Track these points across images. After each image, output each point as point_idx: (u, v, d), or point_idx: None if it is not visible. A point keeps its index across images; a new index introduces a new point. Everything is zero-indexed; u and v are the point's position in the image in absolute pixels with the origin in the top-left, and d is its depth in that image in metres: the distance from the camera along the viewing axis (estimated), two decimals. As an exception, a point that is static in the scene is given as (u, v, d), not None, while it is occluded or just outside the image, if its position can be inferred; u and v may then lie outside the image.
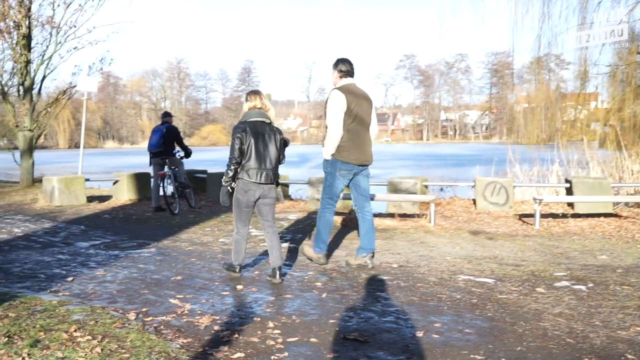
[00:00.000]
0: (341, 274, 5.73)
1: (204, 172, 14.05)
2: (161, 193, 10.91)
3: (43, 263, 6.49)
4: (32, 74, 16.10)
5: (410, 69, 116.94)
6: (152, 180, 11.62)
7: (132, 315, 4.36)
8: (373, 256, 6.10)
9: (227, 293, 5.06)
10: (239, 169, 5.35)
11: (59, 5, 15.81)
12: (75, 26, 16.07)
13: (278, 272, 5.45)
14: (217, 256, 6.75)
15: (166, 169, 10.77)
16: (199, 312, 4.49)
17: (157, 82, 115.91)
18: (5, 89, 16.32)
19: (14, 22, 15.31)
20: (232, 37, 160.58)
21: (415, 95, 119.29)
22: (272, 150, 5.37)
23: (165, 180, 10.60)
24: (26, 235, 8.59)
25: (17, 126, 16.00)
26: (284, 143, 5.50)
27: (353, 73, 5.97)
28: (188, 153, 11.08)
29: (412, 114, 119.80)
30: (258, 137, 5.30)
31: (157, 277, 5.70)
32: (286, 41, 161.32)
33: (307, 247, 6.31)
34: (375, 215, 10.07)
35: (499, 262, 6.26)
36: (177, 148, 10.96)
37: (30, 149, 16.05)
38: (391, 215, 9.76)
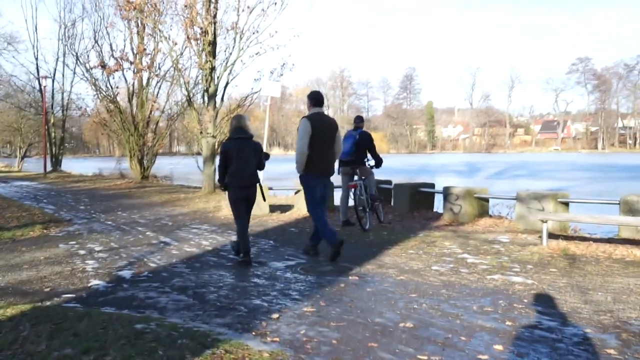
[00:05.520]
0: (635, 336, 4.12)
1: (389, 182, 12.89)
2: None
3: (239, 289, 5.61)
4: (216, 81, 16.06)
5: (583, 73, 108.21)
6: (339, 191, 10.67)
7: (372, 388, 3.17)
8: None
9: (486, 357, 3.70)
10: (227, 175, 6.83)
11: (243, 11, 15.60)
12: (257, 31, 15.77)
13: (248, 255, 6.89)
14: (441, 292, 5.43)
15: (356, 179, 9.73)
16: (460, 388, 3.19)
17: (321, 91, 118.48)
18: (191, 95, 16.48)
19: (201, 28, 15.32)
20: (394, 45, 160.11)
21: (589, 101, 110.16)
22: (250, 159, 6.81)
23: (356, 192, 9.53)
24: (215, 249, 7.94)
25: (201, 132, 16.05)
26: (266, 156, 7.14)
27: (321, 103, 7.37)
28: (379, 162, 9.97)
29: (584, 121, 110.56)
30: (239, 150, 6.74)
31: (379, 320, 4.50)
32: (449, 48, 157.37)
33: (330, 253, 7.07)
34: (604, 240, 8.21)
35: None
36: (368, 156, 9.91)
37: (213, 155, 16.00)
38: (633, 243, 7.81)
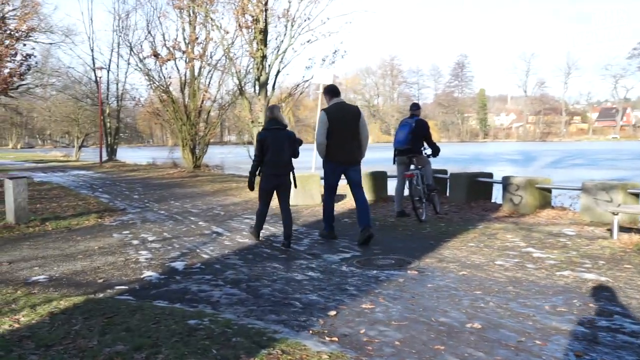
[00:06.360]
0: None
1: (444, 171, 12.48)
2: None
3: (294, 283, 5.40)
4: (267, 70, 15.90)
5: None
6: (393, 181, 10.37)
7: (442, 398, 2.90)
8: (370, 228, 7.35)
9: (566, 364, 3.38)
10: (262, 164, 7.12)
11: (294, -3, 15.33)
12: (309, 18, 15.50)
13: (288, 240, 7.16)
14: (507, 289, 5.09)
15: (412, 168, 9.39)
16: (540, 400, 2.89)
17: (371, 80, 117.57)
18: (242, 84, 16.39)
19: (252, 16, 15.16)
20: (446, 32, 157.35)
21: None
22: (285, 149, 7.11)
23: (412, 182, 9.20)
24: (268, 240, 7.77)
25: (252, 122, 15.95)
26: (298, 142, 7.32)
27: (339, 94, 7.74)
28: (436, 151, 9.60)
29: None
30: (274, 140, 7.05)
31: (444, 320, 4.21)
32: (502, 34, 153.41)
33: (321, 231, 7.94)
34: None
35: None
36: (425, 145, 9.56)
37: (264, 144, 15.85)
38: None
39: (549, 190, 10.27)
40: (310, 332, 3.98)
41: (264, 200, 7.33)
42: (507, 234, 7.78)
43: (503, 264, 6.07)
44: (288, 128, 7.40)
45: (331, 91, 7.73)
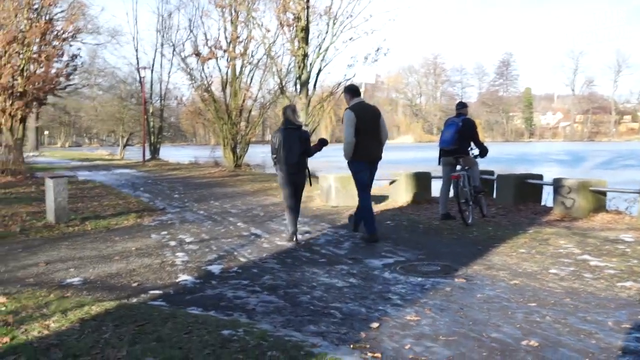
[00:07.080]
0: None
1: (491, 172, 12.02)
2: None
3: (334, 290, 5.13)
4: (309, 68, 15.69)
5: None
6: (438, 182, 9.99)
7: None
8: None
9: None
10: (276, 161, 7.50)
11: (336, -6, 15.11)
12: (351, 15, 15.25)
13: (294, 235, 7.56)
14: (564, 301, 4.71)
15: (459, 169, 9.01)
16: None
17: (413, 78, 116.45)
18: (283, 83, 16.24)
19: (294, 14, 14.98)
20: (490, 30, 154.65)
21: None
22: (295, 148, 7.34)
23: (458, 183, 8.81)
24: (307, 243, 7.52)
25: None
26: (324, 142, 7.90)
27: (359, 93, 7.82)
28: (484, 151, 9.19)
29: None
30: (286, 139, 7.35)
31: (496, 335, 3.87)
32: (549, 31, 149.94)
33: (362, 234, 7.80)
34: None
35: None
36: (472, 145, 9.16)
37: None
38: None
39: (603, 193, 9.71)
40: (352, 346, 3.70)
41: (284, 193, 7.63)
42: (559, 240, 7.34)
43: (558, 273, 5.67)
44: (307, 127, 7.32)
45: (352, 90, 7.75)
